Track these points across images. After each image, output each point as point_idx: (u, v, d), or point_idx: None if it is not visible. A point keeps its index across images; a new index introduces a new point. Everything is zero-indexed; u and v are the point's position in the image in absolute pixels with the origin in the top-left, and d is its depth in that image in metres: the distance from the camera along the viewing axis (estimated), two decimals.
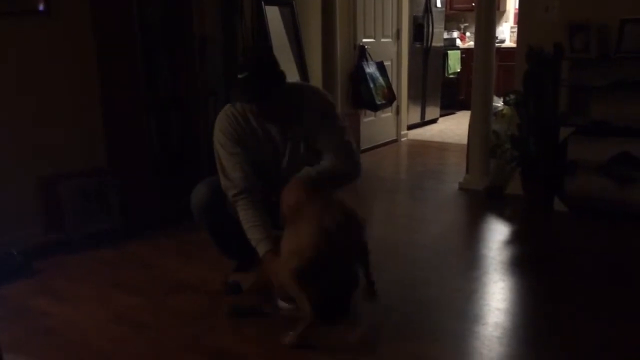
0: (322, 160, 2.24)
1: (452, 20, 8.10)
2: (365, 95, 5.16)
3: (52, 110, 3.03)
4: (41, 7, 2.91)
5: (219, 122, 2.26)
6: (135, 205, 3.21)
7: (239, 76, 2.07)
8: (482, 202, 3.83)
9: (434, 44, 6.74)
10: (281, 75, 2.14)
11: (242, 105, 2.22)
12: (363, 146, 5.30)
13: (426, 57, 6.71)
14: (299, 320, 2.00)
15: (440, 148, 5.77)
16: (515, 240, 3.19)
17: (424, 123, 6.92)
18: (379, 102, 5.23)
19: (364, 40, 5.30)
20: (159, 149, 3.37)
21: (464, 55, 7.60)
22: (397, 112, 5.92)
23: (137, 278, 2.63)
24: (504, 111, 3.95)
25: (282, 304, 2.25)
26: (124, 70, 3.14)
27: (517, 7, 7.13)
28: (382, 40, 5.60)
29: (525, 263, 2.85)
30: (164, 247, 3.04)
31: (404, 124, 6.14)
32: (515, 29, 6.57)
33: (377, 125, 5.64)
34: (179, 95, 3.43)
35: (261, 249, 2.12)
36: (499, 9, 7.26)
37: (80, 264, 2.82)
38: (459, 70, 7.59)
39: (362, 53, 5.23)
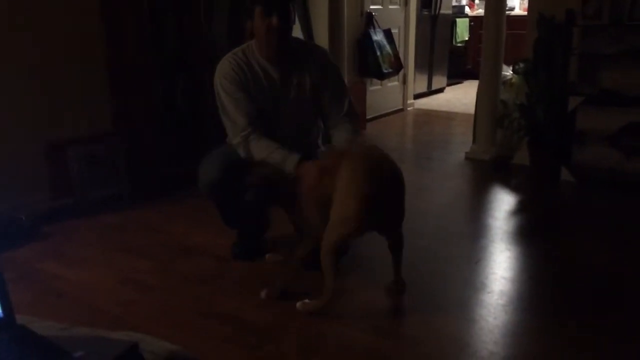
0: (333, 130, 2.28)
1: None
2: (371, 63, 5.10)
3: (59, 74, 3.00)
4: None
5: (221, 68, 2.23)
6: (142, 169, 3.21)
7: None
8: (489, 172, 3.82)
9: (442, 11, 6.64)
10: None
11: (243, 51, 2.24)
12: (369, 115, 5.27)
13: (434, 24, 6.61)
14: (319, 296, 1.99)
15: (446, 117, 5.73)
16: (522, 210, 3.19)
17: (430, 92, 6.86)
18: (385, 71, 5.18)
19: (372, 7, 5.22)
20: (166, 111, 3.35)
21: (472, 23, 7.48)
22: (404, 80, 5.87)
23: (145, 242, 2.65)
24: (513, 80, 3.90)
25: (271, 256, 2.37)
26: (130, 32, 3.10)
27: None
28: (390, 7, 5.51)
29: (531, 233, 2.85)
30: (171, 211, 3.06)
31: (411, 93, 6.09)
32: None
33: (383, 94, 5.59)
34: (185, 58, 3.39)
35: (291, 163, 2.06)
36: None
37: (88, 228, 2.84)
38: (467, 38, 7.48)
39: (369, 20, 5.15)
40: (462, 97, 6.71)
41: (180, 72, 3.40)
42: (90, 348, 0.94)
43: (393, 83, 5.71)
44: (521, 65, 3.64)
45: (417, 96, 6.39)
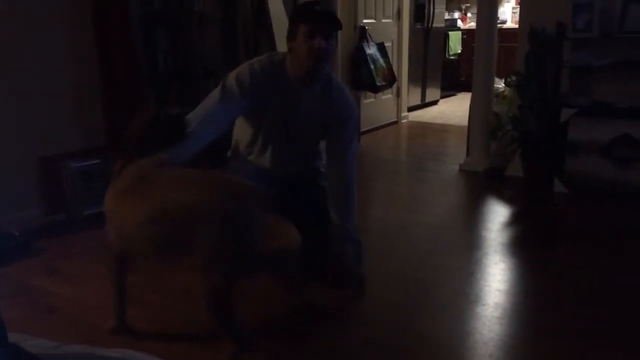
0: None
1: (453, 0, 8.03)
2: (365, 76, 5.13)
3: (52, 89, 3.01)
4: None
5: (241, 70, 2.19)
6: None
7: (317, 8, 2.14)
8: (483, 183, 3.84)
9: (435, 24, 6.69)
10: None
11: (278, 62, 2.21)
12: (363, 128, 5.29)
13: (427, 38, 6.66)
14: None
15: (440, 130, 5.76)
16: (516, 221, 3.20)
17: (424, 105, 6.89)
18: (379, 84, 5.21)
19: (365, 20, 5.26)
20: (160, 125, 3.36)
21: (465, 36, 7.55)
22: (398, 93, 5.90)
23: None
24: (505, 92, 3.94)
25: None
26: (122, 46, 3.12)
27: None
28: (383, 20, 5.55)
29: (525, 244, 2.86)
30: None
31: (405, 106, 6.12)
32: (517, 10, 6.56)
33: (377, 107, 5.62)
34: (178, 73, 3.41)
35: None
36: None
37: (82, 243, 2.83)
38: (459, 51, 7.54)
39: (362, 34, 5.19)
40: (455, 109, 6.74)
41: (174, 86, 3.42)
42: None
43: (387, 96, 5.74)
44: (513, 77, 3.67)
45: (411, 109, 6.43)
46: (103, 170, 3.12)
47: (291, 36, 2.15)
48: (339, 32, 2.28)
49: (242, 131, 2.37)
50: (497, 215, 3.31)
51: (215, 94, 2.18)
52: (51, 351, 1.06)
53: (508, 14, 7.61)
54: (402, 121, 6.03)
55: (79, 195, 3.03)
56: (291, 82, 2.21)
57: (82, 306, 2.21)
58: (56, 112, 3.03)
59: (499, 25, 4.20)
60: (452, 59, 7.46)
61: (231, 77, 2.19)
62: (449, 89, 7.56)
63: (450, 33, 7.31)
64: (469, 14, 8.07)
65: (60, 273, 2.50)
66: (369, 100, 5.44)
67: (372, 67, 5.12)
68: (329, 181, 2.33)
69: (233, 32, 3.70)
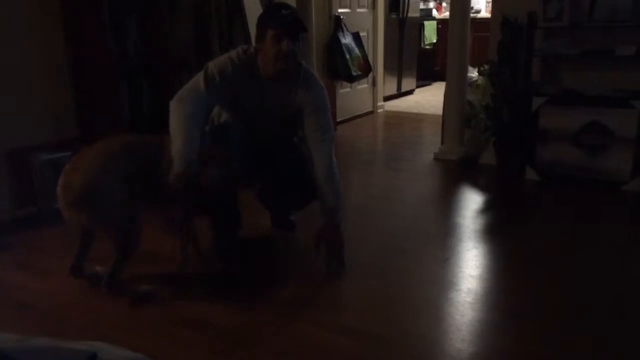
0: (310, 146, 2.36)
1: None
2: (341, 66, 5.12)
3: (20, 80, 2.94)
4: None
5: (221, 61, 2.30)
6: None
7: (284, 12, 2.23)
8: (457, 172, 3.88)
9: (410, 14, 6.71)
10: None
11: (249, 60, 2.31)
12: (339, 117, 5.30)
13: (402, 27, 6.67)
14: None
15: (416, 119, 5.79)
16: (489, 208, 3.24)
17: (400, 94, 6.92)
18: (355, 74, 5.21)
19: (340, 10, 5.25)
20: (131, 116, 3.30)
21: (439, 26, 7.58)
22: (374, 83, 5.91)
23: (110, 250, 2.60)
24: (479, 81, 3.97)
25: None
26: (92, 37, 3.06)
27: None
28: (358, 10, 5.55)
29: (498, 231, 2.90)
30: None
31: (380, 96, 6.14)
32: None
33: (353, 97, 5.62)
34: (150, 62, 3.36)
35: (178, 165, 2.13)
36: None
37: (52, 237, 2.78)
38: (435, 41, 7.58)
39: (337, 23, 5.18)
40: (431, 98, 6.79)
41: (145, 76, 3.36)
42: (48, 359, 0.92)
43: (363, 86, 5.75)
44: (486, 66, 3.71)
45: (387, 98, 6.45)
46: None
47: (259, 39, 2.27)
48: (314, 22, 2.35)
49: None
50: (471, 203, 3.35)
51: (199, 84, 2.26)
52: (17, 345, 1.04)
53: (482, 3, 7.67)
54: (378, 111, 6.05)
55: (49, 188, 2.96)
56: (263, 79, 2.32)
57: (53, 301, 2.17)
58: (25, 103, 2.96)
59: (472, 14, 4.23)
60: (427, 48, 7.49)
61: (213, 69, 2.28)
62: (425, 79, 7.60)
63: (425, 23, 7.34)
64: (443, 4, 8.11)
65: (30, 267, 2.46)
66: (344, 90, 5.44)
67: (347, 56, 5.12)
68: (313, 164, 2.35)
69: (206, 23, 3.64)
